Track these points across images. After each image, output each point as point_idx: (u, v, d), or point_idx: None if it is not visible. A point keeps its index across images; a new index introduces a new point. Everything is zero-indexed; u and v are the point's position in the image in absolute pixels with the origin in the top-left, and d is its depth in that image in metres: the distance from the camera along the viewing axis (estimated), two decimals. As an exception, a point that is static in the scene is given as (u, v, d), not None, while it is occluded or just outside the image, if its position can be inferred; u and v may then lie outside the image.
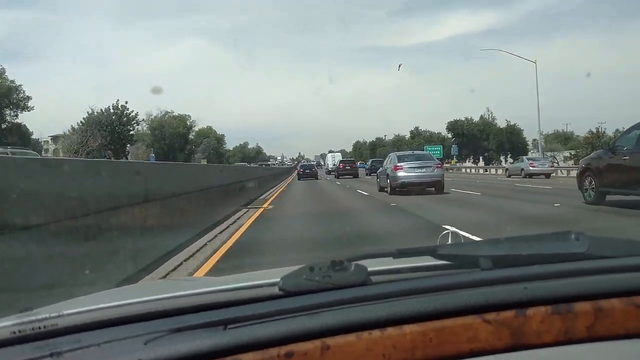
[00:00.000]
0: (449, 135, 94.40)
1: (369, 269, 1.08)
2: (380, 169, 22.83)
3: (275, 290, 1.05)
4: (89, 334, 0.97)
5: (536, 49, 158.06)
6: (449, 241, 1.68)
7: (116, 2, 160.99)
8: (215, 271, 6.07)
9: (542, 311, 0.98)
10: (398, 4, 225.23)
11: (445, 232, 1.75)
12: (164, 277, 5.70)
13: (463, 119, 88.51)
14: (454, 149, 75.42)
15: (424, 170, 18.88)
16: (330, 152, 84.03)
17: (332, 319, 0.94)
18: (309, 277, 1.04)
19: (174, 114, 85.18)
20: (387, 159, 21.79)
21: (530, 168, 35.20)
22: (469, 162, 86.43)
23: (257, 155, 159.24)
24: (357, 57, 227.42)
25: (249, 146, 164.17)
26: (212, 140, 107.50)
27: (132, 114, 69.00)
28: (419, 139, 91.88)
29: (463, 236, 1.76)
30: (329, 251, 7.10)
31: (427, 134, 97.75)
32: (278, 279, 1.06)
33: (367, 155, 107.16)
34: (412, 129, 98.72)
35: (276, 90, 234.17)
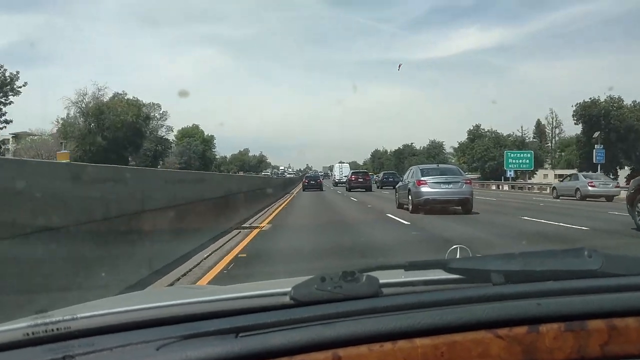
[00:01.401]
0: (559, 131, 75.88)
1: (381, 281, 1.07)
2: (400, 183, 20.38)
3: (287, 299, 1.05)
4: (102, 338, 0.98)
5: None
6: (458, 255, 1.67)
7: (123, 9, 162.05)
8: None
9: (555, 328, 0.97)
10: (410, 18, 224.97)
11: (454, 247, 1.74)
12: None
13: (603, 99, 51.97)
14: (599, 153, 43.42)
15: (450, 186, 16.54)
16: (339, 162, 72.54)
17: (344, 330, 0.94)
18: (321, 287, 1.04)
19: (126, 96, 63.47)
20: (408, 172, 19.48)
21: (589, 188, 26.86)
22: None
23: (258, 164, 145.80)
24: (370, 71, 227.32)
25: (250, 153, 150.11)
26: (194, 141, 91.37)
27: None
28: (481, 142, 67.23)
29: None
30: (340, 261, 7.00)
31: (493, 134, 69.01)
32: (289, 289, 1.06)
33: (391, 166, 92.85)
34: (472, 127, 72.40)
35: (284, 102, 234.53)
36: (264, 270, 6.90)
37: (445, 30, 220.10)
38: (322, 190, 42.09)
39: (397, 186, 21.26)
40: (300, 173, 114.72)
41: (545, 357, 0.95)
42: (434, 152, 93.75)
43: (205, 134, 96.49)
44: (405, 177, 19.58)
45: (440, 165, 20.18)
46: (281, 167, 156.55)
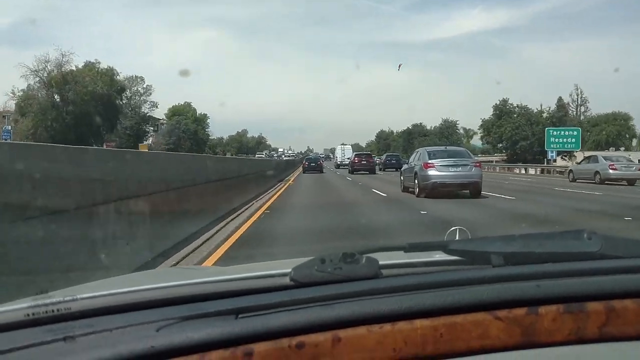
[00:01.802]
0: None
1: (380, 262, 1.08)
2: (405, 166, 19.52)
3: (287, 280, 1.05)
4: (102, 319, 0.98)
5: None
6: (457, 237, 1.67)
7: None
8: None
9: (553, 310, 0.97)
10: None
11: (453, 228, 1.74)
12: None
13: None
14: None
15: (459, 169, 15.80)
16: (341, 144, 70.50)
17: (344, 311, 0.94)
18: (321, 269, 1.04)
19: (99, 65, 54.40)
20: (414, 154, 18.45)
21: (610, 171, 24.67)
22: None
23: (257, 145, 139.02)
24: (373, 52, 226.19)
25: (249, 135, 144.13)
26: (183, 119, 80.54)
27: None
28: (511, 120, 57.47)
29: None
30: (340, 242, 7.01)
31: (523, 110, 58.87)
32: (289, 270, 1.06)
33: (398, 148, 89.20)
34: (498, 101, 61.09)
35: (287, 83, 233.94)
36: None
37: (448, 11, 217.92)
38: (322, 172, 41.76)
39: (402, 169, 20.55)
40: (300, 155, 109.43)
41: (544, 338, 0.95)
42: (447, 132, 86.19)
43: (198, 112, 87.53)
44: (411, 159, 18.71)
45: (448, 148, 19.27)
46: (280, 149, 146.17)
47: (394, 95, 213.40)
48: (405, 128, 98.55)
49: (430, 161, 15.96)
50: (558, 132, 46.29)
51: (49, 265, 3.75)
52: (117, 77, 57.53)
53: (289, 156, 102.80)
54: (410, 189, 17.13)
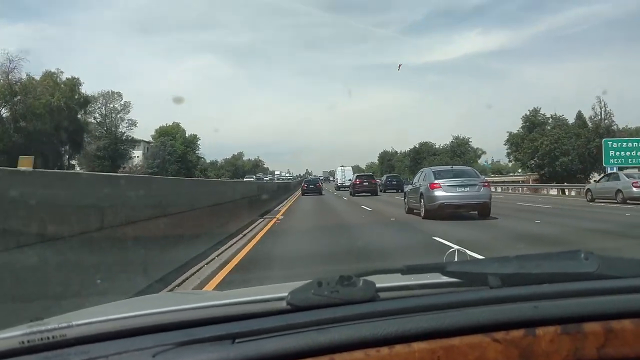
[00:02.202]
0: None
1: (377, 285, 1.07)
2: (409, 187, 18.78)
3: (283, 304, 1.04)
4: (98, 346, 0.97)
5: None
6: (455, 258, 1.67)
7: (124, 17, 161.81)
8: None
9: (551, 331, 0.97)
10: (409, 22, 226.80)
11: (452, 250, 1.74)
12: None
13: None
14: None
15: (467, 189, 15.14)
16: (341, 166, 67.67)
17: (340, 335, 0.94)
18: (317, 292, 1.04)
19: (62, 74, 47.25)
20: (418, 175, 17.91)
21: (634, 189, 21.96)
22: None
23: (254, 168, 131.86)
24: (368, 75, 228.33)
25: (245, 157, 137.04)
26: (169, 140, 75.31)
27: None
28: (549, 132, 49.82)
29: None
30: (337, 265, 6.93)
31: (558, 121, 51.96)
32: (286, 294, 1.05)
33: (403, 169, 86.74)
34: (528, 112, 54.05)
35: (283, 107, 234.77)
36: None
37: (447, 33, 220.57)
38: (321, 194, 41.28)
39: (406, 190, 19.94)
40: (298, 178, 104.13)
41: None
42: (458, 150, 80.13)
43: (188, 133, 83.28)
44: (415, 180, 18.04)
45: (455, 167, 18.26)
46: (277, 172, 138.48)
47: (391, 118, 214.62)
48: (412, 147, 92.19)
49: (436, 181, 15.37)
50: (619, 143, 37.25)
51: (43, 292, 3.72)
52: (81, 88, 49.62)
53: (284, 179, 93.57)
54: (416, 211, 16.58)
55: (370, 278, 1.08)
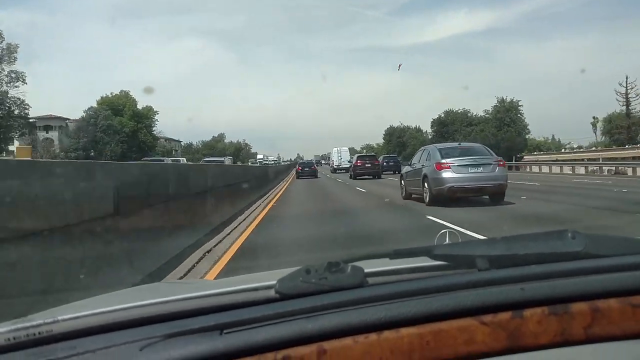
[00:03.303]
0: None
1: (366, 270, 1.07)
2: (408, 168, 16.27)
3: (272, 293, 1.04)
4: (84, 340, 0.96)
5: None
6: (447, 240, 1.67)
7: (109, 2, 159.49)
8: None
9: (538, 312, 0.97)
10: (397, 3, 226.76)
11: (443, 231, 1.75)
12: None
13: None
14: None
15: (480, 169, 13.08)
16: (337, 147, 60.32)
17: (329, 322, 0.94)
18: (306, 279, 1.03)
19: None
20: (419, 154, 15.47)
21: None
22: None
23: (237, 152, 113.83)
24: (356, 58, 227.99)
25: (226, 140, 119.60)
26: (104, 112, 61.10)
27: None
28: None
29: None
30: (325, 252, 6.91)
31: None
32: (274, 282, 1.05)
33: (417, 146, 69.43)
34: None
35: (274, 91, 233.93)
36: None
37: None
38: (317, 177, 40.10)
39: (403, 172, 17.11)
40: (289, 162, 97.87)
41: (529, 341, 0.96)
42: (507, 117, 62.66)
43: (141, 105, 67.31)
44: (415, 160, 15.60)
45: (463, 144, 15.86)
46: (259, 156, 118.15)
47: (381, 100, 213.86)
48: (438, 115, 75.05)
49: (444, 161, 13.22)
50: None
51: (26, 288, 3.68)
52: None
53: (270, 162, 78.28)
54: (415, 195, 14.81)
55: (358, 264, 1.08)
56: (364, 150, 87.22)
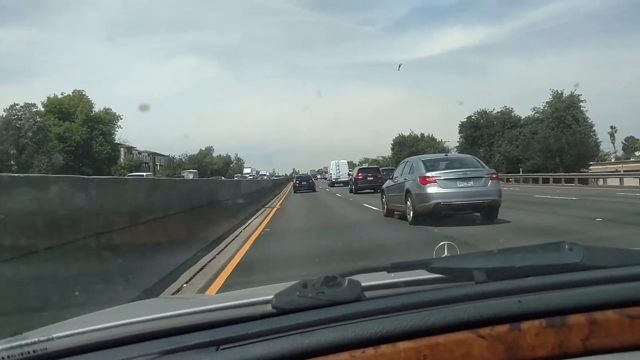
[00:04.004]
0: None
1: (363, 284, 1.07)
2: (389, 182, 14.46)
3: (269, 308, 1.04)
4: (80, 358, 0.96)
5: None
6: (445, 253, 1.67)
7: (106, 20, 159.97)
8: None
9: (536, 325, 0.97)
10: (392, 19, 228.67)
11: (441, 243, 1.74)
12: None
13: None
14: None
15: (470, 183, 11.49)
16: (335, 160, 56.57)
17: (326, 338, 0.94)
18: (303, 294, 1.03)
19: None
20: (401, 166, 13.93)
21: None
22: None
23: (225, 167, 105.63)
24: (352, 73, 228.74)
25: (215, 154, 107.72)
26: (33, 112, 50.51)
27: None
28: None
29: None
30: (323, 266, 6.86)
31: None
32: (271, 297, 1.05)
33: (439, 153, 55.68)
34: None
35: (269, 108, 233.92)
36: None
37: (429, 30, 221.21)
38: (315, 191, 38.57)
39: (384, 186, 15.20)
40: (284, 176, 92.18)
41: (527, 354, 0.95)
42: (567, 116, 47.62)
43: (98, 107, 56.54)
44: (397, 173, 13.96)
45: (451, 156, 14.27)
46: (246, 170, 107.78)
47: (377, 115, 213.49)
48: (469, 116, 61.28)
49: (428, 174, 11.68)
50: None
51: (21, 305, 3.65)
52: None
53: (256, 176, 72.15)
54: (397, 213, 13.18)
55: (355, 277, 1.08)
56: (366, 164, 74.84)
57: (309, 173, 67.45)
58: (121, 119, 59.02)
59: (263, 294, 1.11)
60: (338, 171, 55.50)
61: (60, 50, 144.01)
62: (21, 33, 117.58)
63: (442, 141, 76.46)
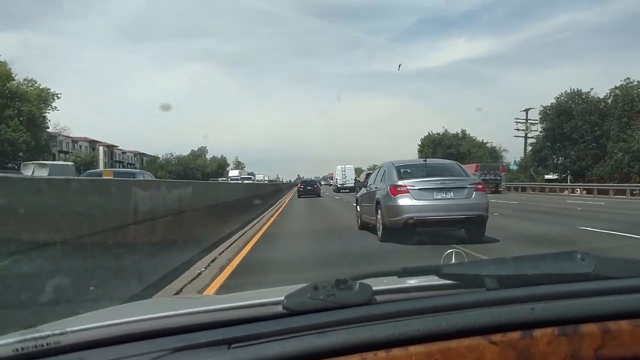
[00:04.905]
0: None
1: (374, 288, 1.07)
2: (363, 190, 12.67)
3: (279, 309, 1.04)
4: (93, 352, 0.96)
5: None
6: (453, 260, 1.66)
7: (116, 26, 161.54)
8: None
9: (548, 333, 0.97)
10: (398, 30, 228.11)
11: (449, 251, 1.73)
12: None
13: None
14: None
15: (450, 195, 9.63)
16: (341, 165, 53.96)
17: (337, 339, 0.94)
18: (313, 296, 1.03)
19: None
20: (376, 172, 12.15)
21: None
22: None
23: (219, 170, 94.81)
24: (357, 83, 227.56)
25: (208, 155, 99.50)
26: None
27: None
28: None
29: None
30: (333, 270, 6.86)
31: None
32: (282, 298, 1.05)
33: (483, 158, 55.44)
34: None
35: (276, 115, 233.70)
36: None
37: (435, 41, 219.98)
38: (319, 196, 38.14)
39: (358, 195, 13.43)
40: (284, 182, 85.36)
41: None
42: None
43: (25, 82, 45.58)
44: (370, 180, 12.33)
45: (430, 161, 11.73)
46: (233, 172, 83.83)
47: (381, 125, 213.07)
48: (552, 101, 48.64)
49: (401, 182, 9.81)
50: None
51: (36, 299, 3.70)
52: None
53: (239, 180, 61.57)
54: (372, 225, 11.10)
55: (366, 281, 1.08)
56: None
57: (314, 179, 64.56)
58: (58, 98, 47.28)
59: (273, 296, 1.11)
60: (344, 176, 53.95)
61: (66, 56, 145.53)
62: (30, 38, 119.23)
63: (483, 141, 66.62)
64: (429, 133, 70.16)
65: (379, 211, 10.22)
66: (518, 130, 56.35)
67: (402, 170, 10.44)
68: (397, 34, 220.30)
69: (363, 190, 12.61)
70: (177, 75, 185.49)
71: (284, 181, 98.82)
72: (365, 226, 11.87)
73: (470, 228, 9.96)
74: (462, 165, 11.76)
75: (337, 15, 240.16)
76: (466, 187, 9.82)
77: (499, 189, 39.26)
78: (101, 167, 59.26)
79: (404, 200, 9.60)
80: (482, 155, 59.65)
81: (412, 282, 1.20)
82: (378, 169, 12.11)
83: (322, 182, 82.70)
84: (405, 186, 9.71)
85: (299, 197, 38.35)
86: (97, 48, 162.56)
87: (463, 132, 69.82)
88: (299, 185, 44.29)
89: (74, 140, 77.35)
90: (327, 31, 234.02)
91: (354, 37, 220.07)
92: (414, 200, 9.56)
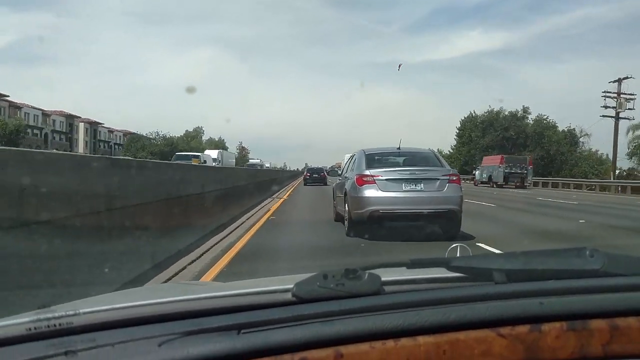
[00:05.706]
0: None
1: (383, 279, 1.07)
2: (338, 180, 11.99)
3: (289, 296, 1.05)
4: (104, 334, 0.98)
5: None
6: (458, 254, 1.66)
7: (128, 9, 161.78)
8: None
9: (557, 327, 0.97)
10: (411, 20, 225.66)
11: (454, 245, 1.74)
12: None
13: None
14: None
15: (420, 186, 8.89)
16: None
17: (346, 327, 0.94)
18: (323, 285, 1.04)
19: None
20: (349, 161, 11.31)
21: None
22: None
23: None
24: (368, 73, 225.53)
25: (204, 137, 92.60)
26: None
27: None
28: None
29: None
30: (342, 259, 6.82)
31: None
32: (292, 285, 1.06)
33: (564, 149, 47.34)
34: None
35: (286, 103, 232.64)
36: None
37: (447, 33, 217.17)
38: (325, 184, 37.37)
39: (335, 184, 12.50)
40: (296, 170, 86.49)
41: (547, 356, 0.95)
42: None
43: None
44: (344, 169, 11.73)
45: (403, 149, 10.51)
46: (209, 152, 53.30)
47: (392, 116, 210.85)
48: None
49: (368, 172, 9.10)
50: None
51: (51, 279, 3.75)
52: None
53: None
54: (346, 217, 9.82)
55: (375, 271, 1.08)
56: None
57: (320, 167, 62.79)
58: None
59: (282, 283, 1.12)
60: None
61: (78, 39, 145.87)
62: (46, 19, 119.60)
63: (555, 124, 51.70)
64: (470, 113, 56.97)
65: (346, 203, 9.58)
66: (606, 108, 42.55)
67: (371, 159, 9.75)
68: (414, 24, 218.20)
69: (337, 180, 11.93)
70: (188, 59, 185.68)
71: (290, 169, 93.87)
72: (340, 218, 10.83)
73: (441, 223, 9.26)
74: (439, 155, 10.91)
75: (349, 5, 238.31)
76: (438, 179, 9.07)
77: (525, 184, 37.19)
78: (81, 148, 55.54)
79: (369, 192, 8.91)
80: (554, 142, 48.18)
81: (421, 273, 1.20)
82: (351, 157, 11.22)
83: (329, 171, 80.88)
84: (372, 176, 9.01)
85: (305, 184, 38.48)
86: (107, 30, 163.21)
87: (525, 110, 54.48)
88: (305, 173, 44.59)
89: (46, 114, 67.40)
90: (342, 19, 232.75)
91: (365, 26, 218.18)
92: (379, 192, 8.86)
